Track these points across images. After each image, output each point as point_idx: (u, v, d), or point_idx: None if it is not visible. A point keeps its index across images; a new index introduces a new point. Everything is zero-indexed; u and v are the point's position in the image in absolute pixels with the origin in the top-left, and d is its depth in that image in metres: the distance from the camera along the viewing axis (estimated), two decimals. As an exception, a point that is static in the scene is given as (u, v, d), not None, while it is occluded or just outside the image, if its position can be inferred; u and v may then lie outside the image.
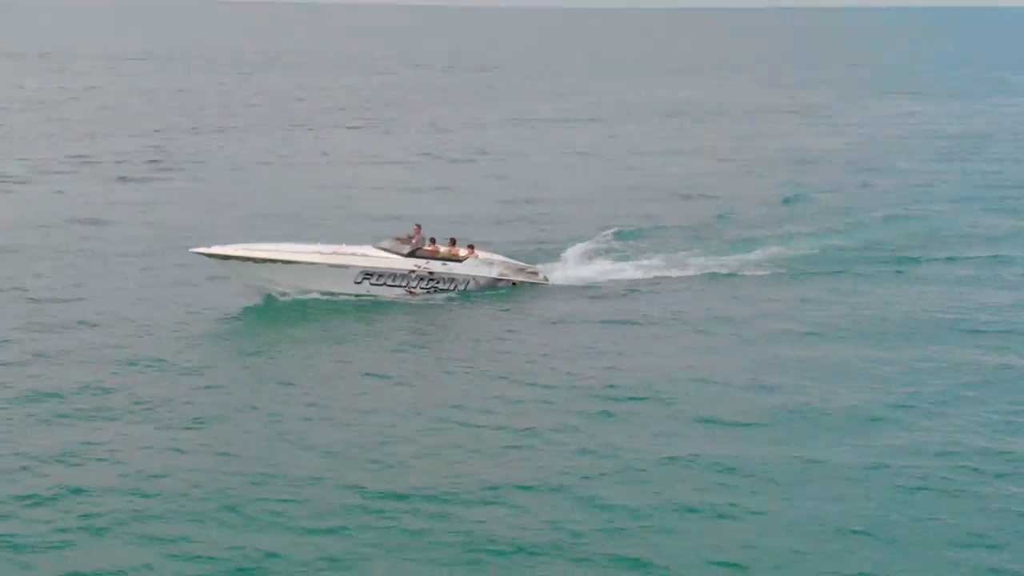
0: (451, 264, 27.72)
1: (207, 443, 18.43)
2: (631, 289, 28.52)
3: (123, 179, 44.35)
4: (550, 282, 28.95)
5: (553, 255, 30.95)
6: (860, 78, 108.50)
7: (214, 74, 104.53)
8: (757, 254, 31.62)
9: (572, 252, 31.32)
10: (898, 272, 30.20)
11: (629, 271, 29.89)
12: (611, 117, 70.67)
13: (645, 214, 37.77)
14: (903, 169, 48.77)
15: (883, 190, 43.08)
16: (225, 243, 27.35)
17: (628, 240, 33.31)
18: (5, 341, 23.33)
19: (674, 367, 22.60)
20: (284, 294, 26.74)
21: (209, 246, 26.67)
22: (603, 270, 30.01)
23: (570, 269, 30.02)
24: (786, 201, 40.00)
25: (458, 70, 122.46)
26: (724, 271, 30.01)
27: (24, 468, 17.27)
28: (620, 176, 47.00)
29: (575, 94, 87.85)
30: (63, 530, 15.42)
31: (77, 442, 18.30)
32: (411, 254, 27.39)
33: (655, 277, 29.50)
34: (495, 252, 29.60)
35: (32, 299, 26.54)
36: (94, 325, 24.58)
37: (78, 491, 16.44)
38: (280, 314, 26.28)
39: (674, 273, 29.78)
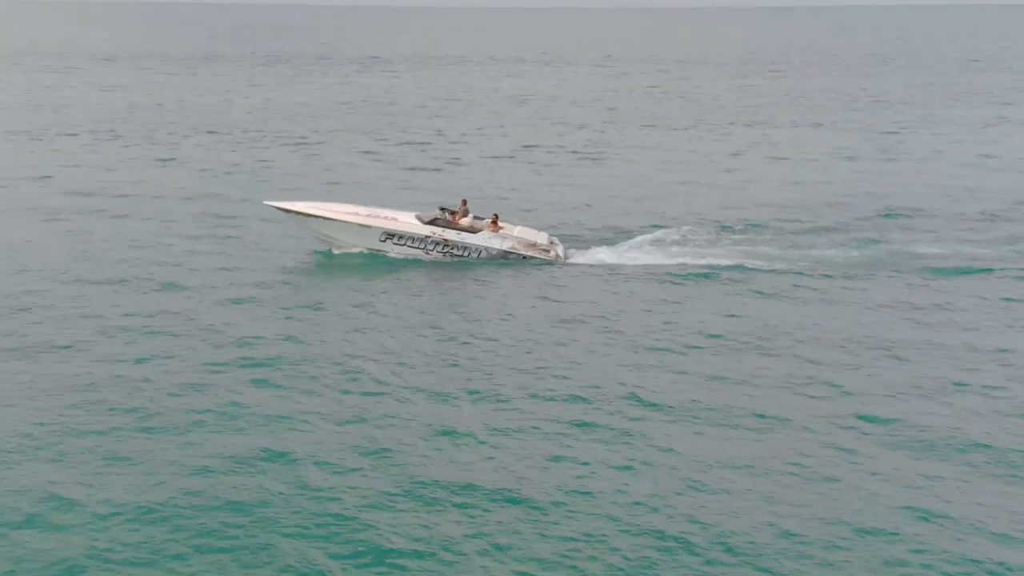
0: (465, 234, 31.66)
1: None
2: (641, 274, 30.46)
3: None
4: (563, 260, 31.90)
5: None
6: None
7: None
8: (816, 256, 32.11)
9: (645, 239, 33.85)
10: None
11: (657, 259, 31.77)
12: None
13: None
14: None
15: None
16: (311, 200, 33.72)
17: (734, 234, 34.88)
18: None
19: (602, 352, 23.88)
20: (339, 247, 32.35)
21: (281, 201, 33.10)
22: (633, 255, 32.17)
23: (599, 252, 32.63)
24: (889, 215, 38.66)
25: (794, 69, 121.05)
26: (754, 266, 30.74)
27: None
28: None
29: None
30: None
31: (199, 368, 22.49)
32: (431, 222, 31.79)
33: (676, 264, 31.10)
34: (538, 229, 33.26)
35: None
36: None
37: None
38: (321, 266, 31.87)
39: (708, 262, 31.06)
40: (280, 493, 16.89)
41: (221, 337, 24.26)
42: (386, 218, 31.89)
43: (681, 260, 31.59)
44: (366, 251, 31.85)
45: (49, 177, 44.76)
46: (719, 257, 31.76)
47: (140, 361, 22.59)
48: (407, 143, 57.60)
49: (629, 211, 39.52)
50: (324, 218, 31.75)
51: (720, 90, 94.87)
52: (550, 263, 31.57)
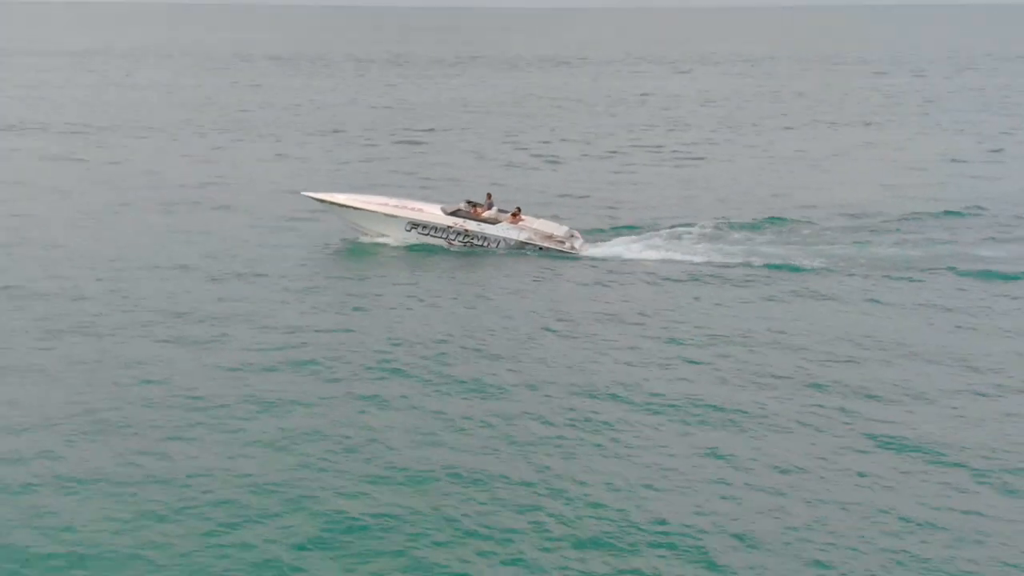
0: (485, 225, 32.91)
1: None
2: (649, 270, 31.04)
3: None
4: (578, 252, 32.67)
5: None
6: None
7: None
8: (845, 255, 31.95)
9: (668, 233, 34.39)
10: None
11: (671, 254, 32.23)
12: None
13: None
14: None
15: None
16: (352, 193, 35.65)
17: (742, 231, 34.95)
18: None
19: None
20: (369, 236, 34.09)
21: (317, 192, 35.09)
22: (644, 250, 32.70)
23: (615, 246, 33.28)
24: (949, 213, 37.46)
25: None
26: (781, 263, 30.92)
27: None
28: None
29: None
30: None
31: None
32: (452, 214, 33.15)
33: (698, 263, 31.32)
34: (560, 222, 34.29)
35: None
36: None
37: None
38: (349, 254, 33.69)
39: (729, 261, 31.29)
40: (320, 470, 17.66)
41: (254, 319, 25.90)
42: (412, 209, 33.49)
43: (699, 256, 31.94)
44: (393, 240, 33.47)
45: (166, 170, 47.99)
46: (755, 255, 31.88)
47: (212, 342, 24.10)
48: (508, 142, 59.07)
49: (690, 207, 40.02)
50: (355, 208, 33.58)
51: (852, 89, 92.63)
52: (566, 254, 32.41)
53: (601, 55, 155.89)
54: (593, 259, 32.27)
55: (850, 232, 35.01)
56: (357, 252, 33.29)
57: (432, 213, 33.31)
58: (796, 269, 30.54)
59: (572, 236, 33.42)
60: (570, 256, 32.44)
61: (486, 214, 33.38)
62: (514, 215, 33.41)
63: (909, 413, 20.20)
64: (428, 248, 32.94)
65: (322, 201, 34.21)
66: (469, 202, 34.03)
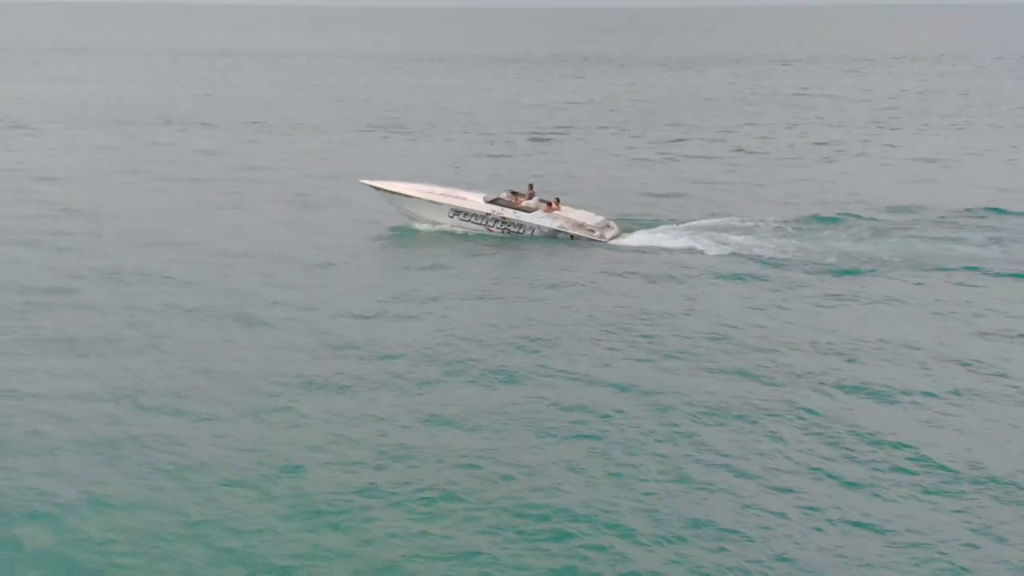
0: (521, 213, 34.42)
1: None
2: (671, 259, 31.70)
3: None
4: (606, 241, 33.67)
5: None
6: None
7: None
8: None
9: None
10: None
11: (699, 245, 32.80)
12: None
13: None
14: None
15: None
16: (418, 183, 37.95)
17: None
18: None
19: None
20: (417, 222, 36.24)
21: (376, 180, 37.54)
22: (674, 239, 33.41)
23: (644, 235, 34.12)
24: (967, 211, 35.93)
25: None
26: (802, 258, 31.12)
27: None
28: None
29: None
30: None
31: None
32: (492, 202, 34.87)
33: (723, 254, 31.84)
34: (597, 213, 35.45)
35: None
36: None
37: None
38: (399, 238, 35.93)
39: (752, 252, 31.75)
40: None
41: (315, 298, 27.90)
42: (456, 197, 35.43)
43: (765, 249, 32.32)
44: (437, 226, 35.52)
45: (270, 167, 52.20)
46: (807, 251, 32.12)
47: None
48: (658, 140, 60.21)
49: (773, 203, 40.12)
50: (405, 196, 35.86)
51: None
52: (595, 242, 33.55)
53: (781, 53, 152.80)
54: (622, 248, 33.28)
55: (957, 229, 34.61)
56: (406, 236, 35.56)
57: (473, 201, 35.15)
58: (855, 272, 30.13)
59: (607, 226, 34.48)
60: (599, 244, 33.55)
61: (525, 203, 34.90)
62: (550, 205, 34.78)
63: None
64: (468, 236, 34.77)
65: (377, 189, 36.67)
66: (512, 192, 35.65)
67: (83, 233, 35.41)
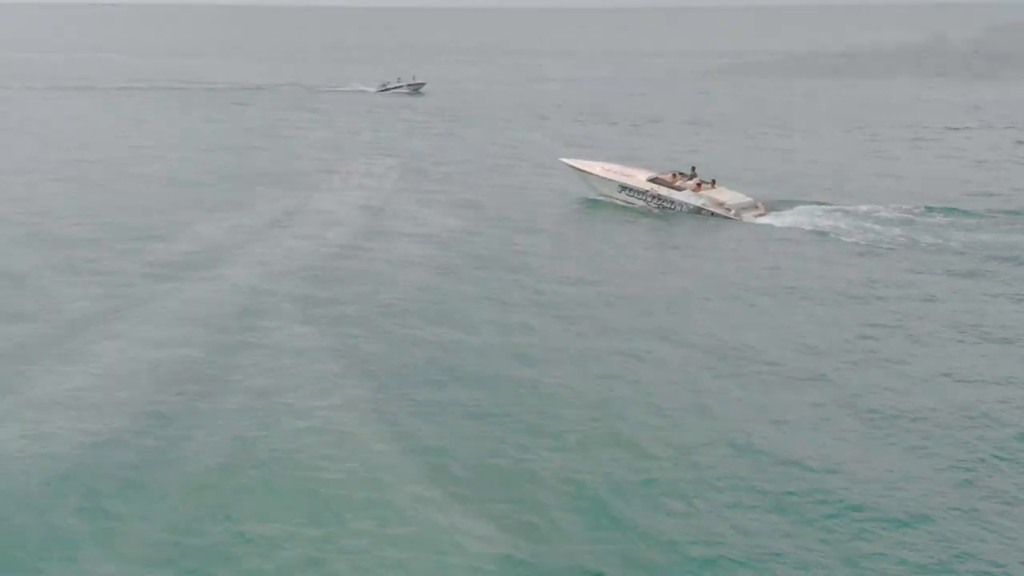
0: (672, 191, 41.44)
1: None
2: (796, 240, 36.73)
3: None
4: (741, 219, 39.83)
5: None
6: None
7: None
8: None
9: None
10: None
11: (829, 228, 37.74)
12: None
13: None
14: None
15: None
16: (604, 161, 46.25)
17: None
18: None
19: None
20: (597, 195, 44.43)
21: (572, 159, 46.10)
22: (812, 222, 38.88)
23: (781, 216, 40.27)
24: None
25: None
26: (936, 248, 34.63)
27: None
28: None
29: None
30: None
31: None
32: (651, 180, 42.17)
33: (850, 243, 35.78)
34: (745, 193, 41.69)
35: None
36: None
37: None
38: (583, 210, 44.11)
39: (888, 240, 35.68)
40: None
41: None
42: (625, 174, 43.40)
43: (896, 232, 36.40)
44: (611, 199, 43.25)
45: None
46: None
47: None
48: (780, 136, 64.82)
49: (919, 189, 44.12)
50: (588, 172, 44.29)
51: None
52: (731, 220, 40.07)
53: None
54: (761, 226, 38.55)
55: None
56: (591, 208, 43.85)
57: (637, 179, 42.86)
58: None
59: (753, 207, 39.81)
60: (735, 221, 40.11)
61: (688, 184, 41.96)
62: (699, 184, 41.83)
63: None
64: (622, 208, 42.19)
65: (572, 167, 45.53)
66: (675, 173, 43.12)
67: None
